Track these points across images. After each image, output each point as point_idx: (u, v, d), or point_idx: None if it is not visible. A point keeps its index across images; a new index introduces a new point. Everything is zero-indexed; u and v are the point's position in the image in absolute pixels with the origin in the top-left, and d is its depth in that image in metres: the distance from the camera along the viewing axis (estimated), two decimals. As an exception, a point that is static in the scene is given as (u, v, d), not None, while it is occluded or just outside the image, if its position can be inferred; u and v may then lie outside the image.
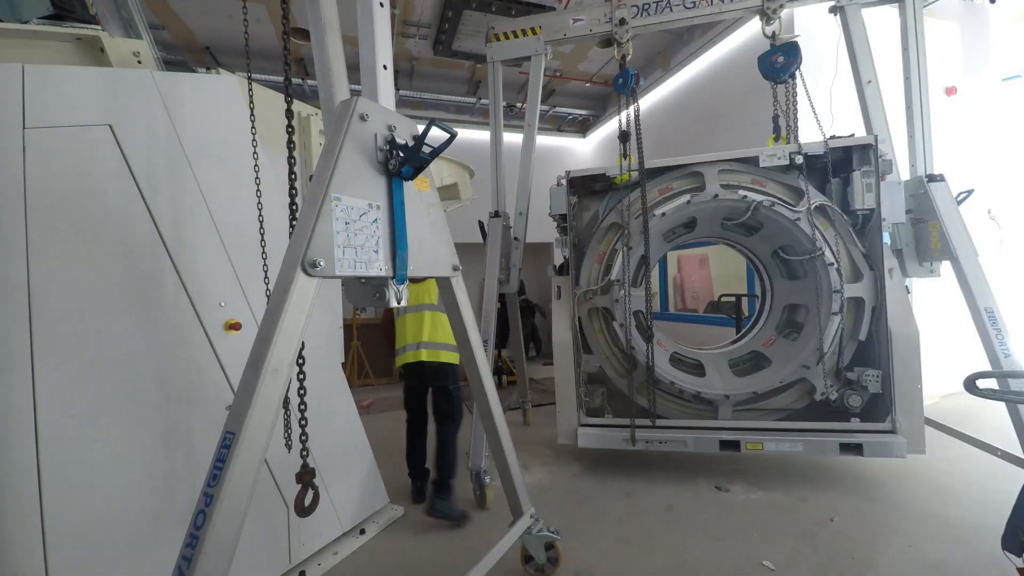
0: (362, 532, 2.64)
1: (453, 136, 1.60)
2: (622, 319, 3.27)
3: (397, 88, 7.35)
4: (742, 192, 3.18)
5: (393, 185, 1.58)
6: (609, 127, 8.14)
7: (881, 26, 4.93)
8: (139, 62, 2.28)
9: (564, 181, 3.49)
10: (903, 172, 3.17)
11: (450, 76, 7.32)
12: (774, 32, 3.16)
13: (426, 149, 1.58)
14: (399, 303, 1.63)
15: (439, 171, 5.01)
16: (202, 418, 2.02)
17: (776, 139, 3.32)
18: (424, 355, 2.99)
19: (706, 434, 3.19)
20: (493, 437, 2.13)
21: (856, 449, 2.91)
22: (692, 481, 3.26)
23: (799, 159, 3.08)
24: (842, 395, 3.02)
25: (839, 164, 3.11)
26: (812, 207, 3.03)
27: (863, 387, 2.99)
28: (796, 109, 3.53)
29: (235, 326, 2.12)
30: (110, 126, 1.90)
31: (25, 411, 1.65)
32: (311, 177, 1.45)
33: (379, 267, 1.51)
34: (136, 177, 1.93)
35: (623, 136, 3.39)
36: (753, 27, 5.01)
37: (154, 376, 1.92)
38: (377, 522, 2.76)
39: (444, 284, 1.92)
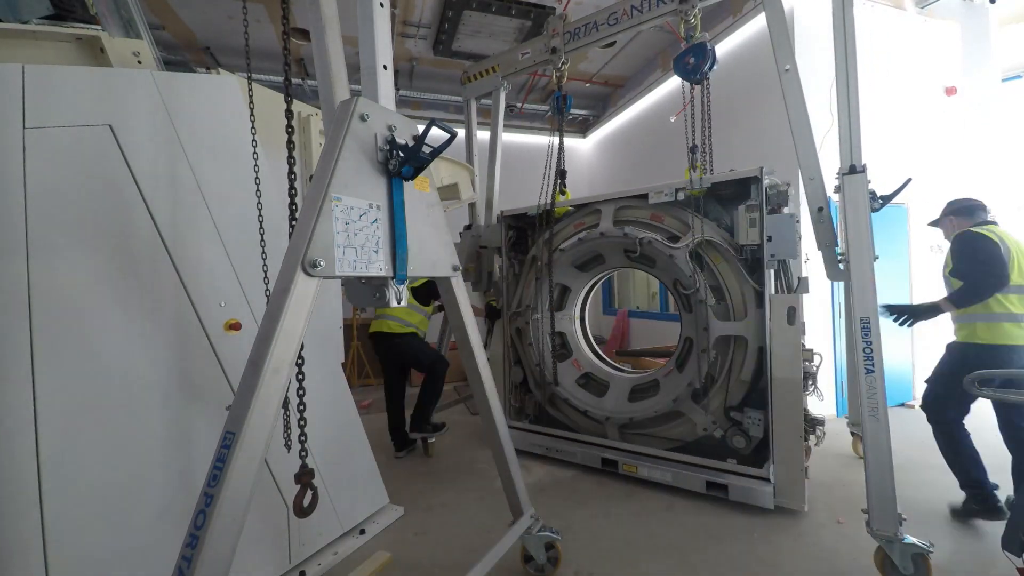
0: (362, 532, 2.64)
1: (453, 136, 1.60)
2: (533, 339, 3.76)
3: (397, 88, 7.34)
4: (626, 229, 3.27)
5: (393, 185, 1.59)
6: (609, 127, 8.14)
7: (876, 26, 4.94)
8: (139, 62, 2.28)
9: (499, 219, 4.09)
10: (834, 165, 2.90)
11: (450, 76, 7.32)
12: (690, 34, 3.05)
13: (426, 149, 1.58)
14: (399, 303, 1.63)
15: (438, 171, 5.01)
16: (202, 418, 2.02)
17: (693, 170, 3.21)
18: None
19: (591, 450, 3.44)
20: (493, 437, 2.13)
21: (722, 489, 2.88)
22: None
23: (681, 195, 3.10)
24: (727, 434, 2.94)
25: (739, 196, 2.98)
26: (695, 242, 2.99)
27: (746, 430, 2.89)
28: (710, 138, 3.59)
29: (235, 326, 2.12)
30: (110, 126, 1.90)
31: (25, 411, 1.64)
32: (311, 177, 1.45)
33: (379, 267, 1.51)
34: (136, 177, 1.93)
35: (561, 173, 3.70)
36: (751, 29, 5.00)
37: (154, 376, 1.91)
38: (377, 522, 2.76)
39: (444, 284, 1.92)
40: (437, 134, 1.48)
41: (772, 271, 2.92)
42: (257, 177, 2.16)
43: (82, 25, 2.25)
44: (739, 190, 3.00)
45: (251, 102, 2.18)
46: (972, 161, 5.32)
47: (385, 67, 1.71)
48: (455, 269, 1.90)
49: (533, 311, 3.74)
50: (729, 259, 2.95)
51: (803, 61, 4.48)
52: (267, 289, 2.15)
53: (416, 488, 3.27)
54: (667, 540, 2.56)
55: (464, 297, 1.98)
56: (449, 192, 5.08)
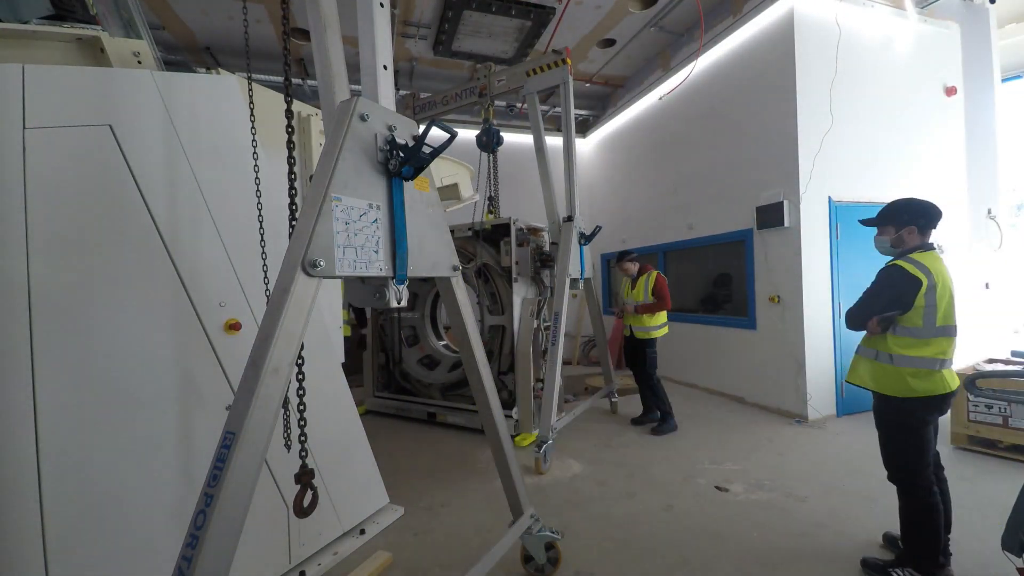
0: (362, 532, 2.64)
1: (453, 136, 1.60)
2: (389, 332, 5.27)
3: (397, 88, 7.33)
4: None
5: (393, 185, 1.58)
6: (609, 127, 8.14)
7: (868, 25, 4.93)
8: (139, 62, 2.28)
9: None
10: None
11: (450, 76, 7.32)
12: (487, 118, 4.55)
13: (426, 149, 1.58)
14: (399, 303, 1.63)
15: (439, 171, 5.02)
16: (202, 418, 2.02)
17: (491, 214, 4.66)
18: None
19: (421, 407, 4.83)
20: (493, 437, 2.13)
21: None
22: (692, 481, 3.26)
23: (469, 232, 4.58)
24: (498, 389, 3.97)
25: (504, 234, 4.33)
26: (479, 263, 4.50)
27: (506, 386, 4.39)
28: (497, 190, 4.91)
29: (235, 326, 2.12)
30: (110, 126, 1.90)
31: (25, 411, 1.64)
32: (311, 177, 1.45)
33: (379, 267, 1.51)
34: (136, 177, 1.93)
35: (490, 199, 4.84)
36: (751, 29, 5.00)
37: (154, 376, 1.91)
38: (377, 522, 2.76)
39: (444, 284, 1.92)
40: (437, 134, 1.48)
41: (523, 280, 4.37)
42: (257, 177, 2.16)
43: (82, 25, 2.25)
44: (504, 230, 4.33)
45: (251, 102, 2.18)
46: (972, 161, 5.32)
47: (385, 67, 1.71)
48: (455, 269, 1.90)
49: (392, 312, 5.15)
50: (500, 275, 4.42)
51: (802, 62, 4.51)
52: (267, 289, 2.15)
53: (416, 488, 3.27)
54: (667, 540, 2.57)
55: (464, 297, 1.98)
56: (449, 192, 5.09)
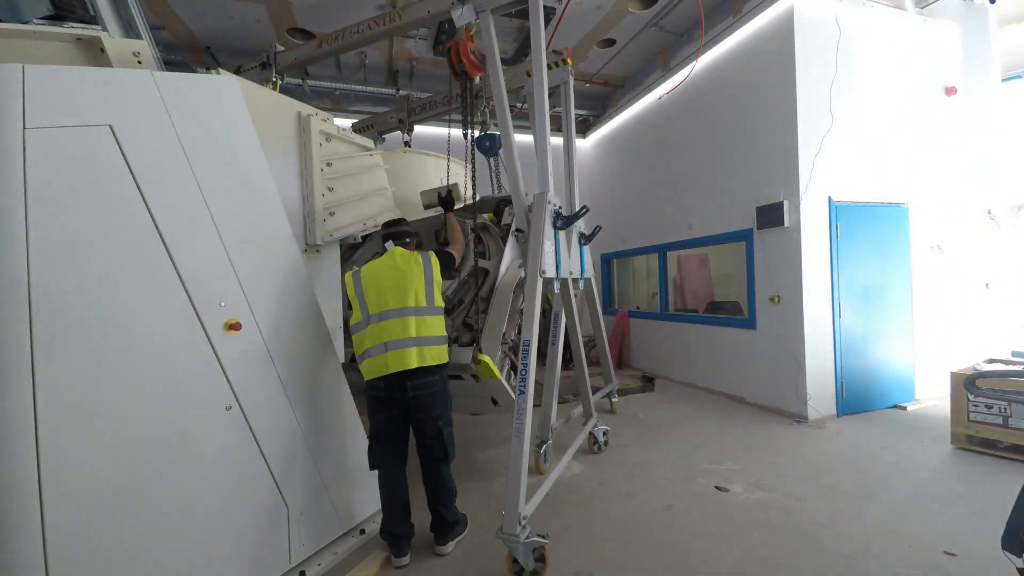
0: (362, 532, 2.64)
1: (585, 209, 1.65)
2: None
3: (397, 88, 7.33)
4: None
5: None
6: (609, 127, 8.14)
7: (876, 27, 4.94)
8: (139, 62, 2.28)
9: None
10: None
11: (450, 76, 7.31)
12: (484, 124, 4.73)
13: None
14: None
15: (439, 172, 5.01)
16: (202, 418, 2.01)
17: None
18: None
19: None
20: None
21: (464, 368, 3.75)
22: (692, 481, 3.26)
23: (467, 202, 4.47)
24: (460, 337, 3.61)
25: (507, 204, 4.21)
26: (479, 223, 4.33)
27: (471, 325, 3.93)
28: (500, 174, 5.07)
29: (235, 326, 2.12)
30: (110, 126, 1.89)
31: (25, 411, 1.64)
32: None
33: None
34: (136, 177, 1.93)
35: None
36: (751, 29, 5.00)
37: (154, 376, 1.91)
38: (377, 522, 2.74)
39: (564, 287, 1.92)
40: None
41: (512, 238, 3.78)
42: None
43: (82, 25, 2.25)
44: (504, 202, 4.24)
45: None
46: (972, 161, 5.32)
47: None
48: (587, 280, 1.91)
49: None
50: (495, 235, 4.10)
51: (802, 62, 4.51)
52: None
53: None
54: (667, 540, 2.58)
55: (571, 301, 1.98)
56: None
